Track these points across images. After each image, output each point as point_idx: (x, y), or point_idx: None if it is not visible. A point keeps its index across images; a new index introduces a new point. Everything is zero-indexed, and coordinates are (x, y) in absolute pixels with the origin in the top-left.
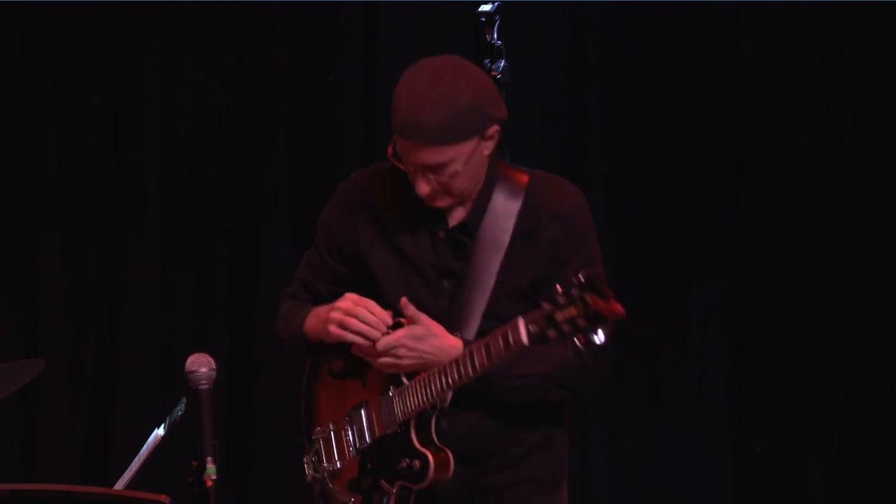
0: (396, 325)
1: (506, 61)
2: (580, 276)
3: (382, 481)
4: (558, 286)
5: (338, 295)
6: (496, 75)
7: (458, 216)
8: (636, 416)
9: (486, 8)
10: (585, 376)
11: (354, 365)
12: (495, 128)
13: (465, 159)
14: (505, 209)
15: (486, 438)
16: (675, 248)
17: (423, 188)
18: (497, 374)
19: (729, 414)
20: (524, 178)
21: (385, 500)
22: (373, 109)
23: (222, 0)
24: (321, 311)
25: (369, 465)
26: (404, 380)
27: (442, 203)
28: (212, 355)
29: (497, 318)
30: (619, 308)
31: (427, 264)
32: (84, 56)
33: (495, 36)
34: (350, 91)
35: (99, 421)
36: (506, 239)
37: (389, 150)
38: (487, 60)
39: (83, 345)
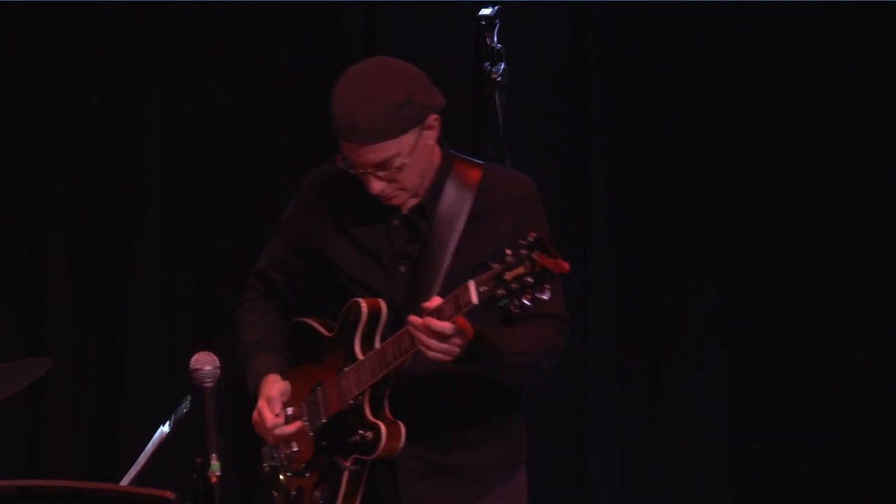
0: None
1: (506, 64)
2: (528, 237)
3: (337, 457)
4: (507, 249)
5: (292, 286)
6: (496, 78)
7: (411, 203)
8: (636, 416)
9: (486, 11)
10: (552, 359)
11: (309, 351)
12: (434, 117)
13: (408, 152)
14: (459, 194)
15: (443, 418)
16: (675, 250)
17: (375, 186)
18: (497, 352)
19: (729, 414)
20: (478, 167)
21: (339, 476)
22: None
23: (222, 0)
24: (256, 381)
25: (324, 443)
26: (359, 355)
27: (398, 200)
28: (216, 354)
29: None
30: (564, 264)
31: (383, 252)
32: (84, 56)
33: (495, 39)
34: None
35: (105, 418)
36: (461, 221)
37: (338, 159)
38: (488, 63)
39: (88, 344)
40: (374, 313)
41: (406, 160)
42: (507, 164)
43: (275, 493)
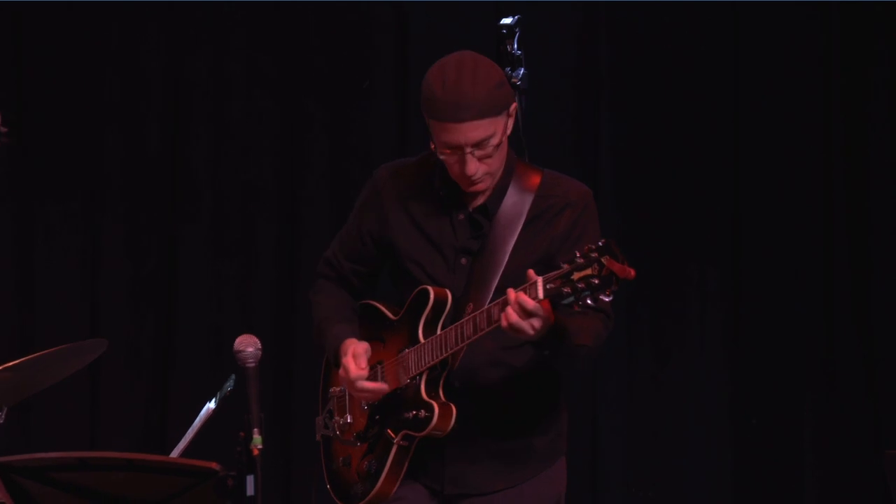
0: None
1: (525, 69)
2: (599, 242)
3: (388, 430)
4: (577, 251)
5: (359, 274)
6: (516, 82)
7: (476, 201)
8: (642, 395)
9: (507, 21)
10: (600, 351)
11: (374, 331)
12: (514, 105)
13: (502, 132)
14: (520, 197)
15: (495, 406)
16: (677, 239)
17: (471, 166)
18: (569, 343)
19: (728, 392)
20: (538, 173)
21: (388, 449)
22: (404, 112)
23: (269, 3)
24: (335, 346)
25: (377, 417)
26: (421, 339)
27: (482, 185)
28: (257, 336)
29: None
30: (631, 270)
31: (446, 244)
32: (143, 61)
33: (515, 46)
34: (383, 96)
35: (157, 395)
36: (520, 222)
37: (432, 145)
38: (508, 68)
39: (142, 327)
40: (440, 302)
41: (501, 139)
42: (526, 160)
43: (323, 462)
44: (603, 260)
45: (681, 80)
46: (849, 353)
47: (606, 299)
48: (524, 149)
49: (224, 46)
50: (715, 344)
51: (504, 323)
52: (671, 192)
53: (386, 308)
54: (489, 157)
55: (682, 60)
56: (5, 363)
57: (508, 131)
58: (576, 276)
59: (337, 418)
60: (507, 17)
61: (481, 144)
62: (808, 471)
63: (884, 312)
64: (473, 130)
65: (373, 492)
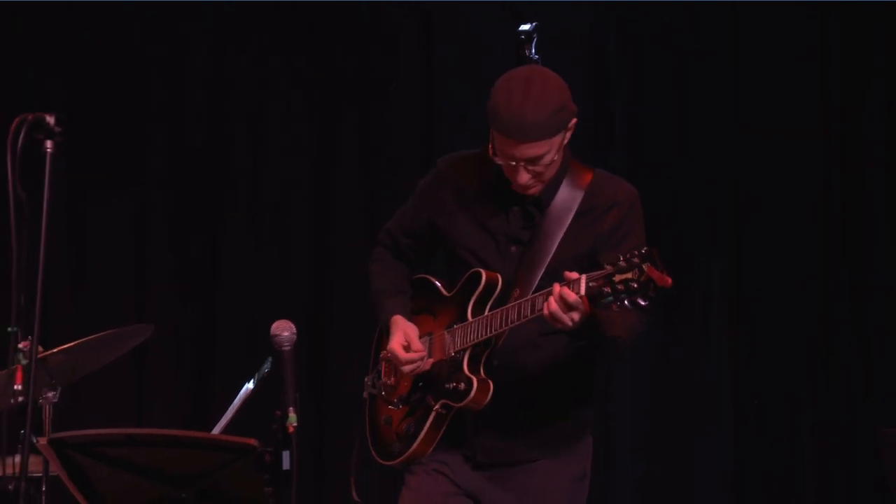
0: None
1: None
2: (642, 249)
3: (429, 397)
4: (620, 255)
5: (413, 250)
6: None
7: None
8: (652, 378)
9: (525, 27)
10: (635, 344)
11: (427, 303)
12: (574, 120)
13: (556, 150)
14: (571, 193)
15: (532, 387)
16: (684, 234)
17: (523, 177)
18: (605, 334)
19: (731, 374)
20: (589, 171)
21: (427, 415)
22: (429, 113)
23: (303, 4)
24: (385, 320)
25: (420, 384)
26: (469, 317)
27: (534, 190)
28: (293, 322)
29: (554, 279)
30: (668, 279)
31: (499, 231)
32: (187, 63)
33: (533, 51)
34: (409, 97)
35: (199, 376)
36: (569, 216)
37: (490, 150)
38: None
39: (186, 313)
40: (491, 285)
41: (554, 157)
42: None
43: (367, 418)
44: (644, 266)
45: (683, 80)
46: (846, 340)
47: (643, 303)
48: None
49: (261, 49)
50: (719, 330)
51: (546, 311)
52: (678, 189)
53: (440, 284)
54: (539, 171)
55: (683, 61)
56: (60, 346)
57: (565, 142)
58: (617, 277)
59: (384, 379)
60: (525, 23)
61: (534, 161)
62: (807, 447)
63: (880, 303)
64: (529, 150)
65: (409, 451)
